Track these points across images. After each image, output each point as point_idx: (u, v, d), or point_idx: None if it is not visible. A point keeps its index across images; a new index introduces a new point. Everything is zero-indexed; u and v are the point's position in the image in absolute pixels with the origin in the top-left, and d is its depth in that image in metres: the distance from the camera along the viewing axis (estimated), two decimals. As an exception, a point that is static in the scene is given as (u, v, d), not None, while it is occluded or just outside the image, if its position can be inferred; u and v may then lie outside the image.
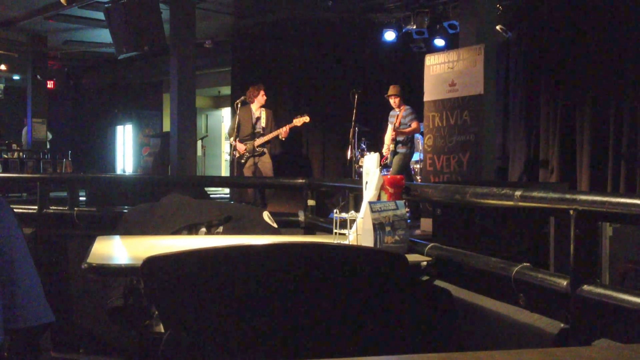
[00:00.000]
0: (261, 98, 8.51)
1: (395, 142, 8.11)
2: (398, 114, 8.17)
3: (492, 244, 3.35)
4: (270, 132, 8.43)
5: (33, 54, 14.24)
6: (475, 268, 2.44)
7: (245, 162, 8.44)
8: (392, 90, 8.24)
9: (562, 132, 8.58)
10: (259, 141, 8.38)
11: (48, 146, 14.46)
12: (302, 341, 2.05)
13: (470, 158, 6.57)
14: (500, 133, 9.47)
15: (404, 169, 8.04)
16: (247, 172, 8.41)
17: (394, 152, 8.11)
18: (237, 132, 8.49)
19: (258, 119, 8.47)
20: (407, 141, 8.15)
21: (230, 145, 8.71)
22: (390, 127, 8.26)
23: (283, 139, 8.56)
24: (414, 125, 8.05)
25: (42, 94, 14.71)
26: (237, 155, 8.49)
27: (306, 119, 8.47)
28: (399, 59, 10.83)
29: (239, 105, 8.54)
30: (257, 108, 8.52)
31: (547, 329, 2.01)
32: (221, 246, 2.08)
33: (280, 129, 8.40)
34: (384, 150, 8.13)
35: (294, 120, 8.47)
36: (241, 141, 8.44)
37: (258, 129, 8.44)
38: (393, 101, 8.23)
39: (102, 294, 3.49)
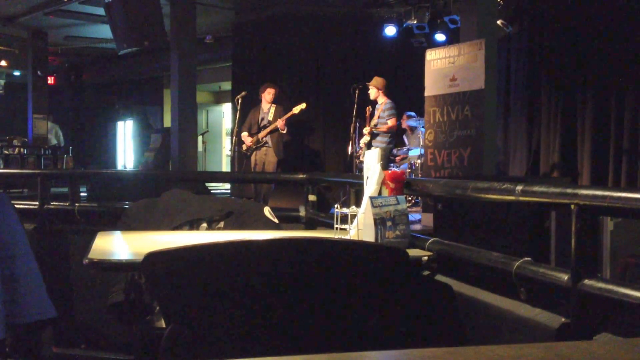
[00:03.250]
0: (267, 95, 8.72)
1: (371, 136, 8.07)
2: (378, 107, 8.16)
3: (493, 239, 3.35)
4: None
5: (33, 49, 14.21)
6: (476, 263, 2.45)
7: (251, 154, 8.64)
8: (373, 81, 8.23)
9: (563, 126, 8.58)
10: (262, 133, 8.55)
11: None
12: (304, 336, 2.05)
13: (472, 153, 6.56)
14: (501, 128, 9.46)
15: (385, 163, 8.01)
16: (253, 164, 8.62)
17: (369, 145, 8.04)
18: (249, 127, 8.73)
19: (266, 114, 8.66)
20: (386, 135, 8.10)
21: (231, 140, 8.88)
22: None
23: (283, 131, 8.62)
24: (390, 122, 8.03)
25: (42, 89, 14.68)
26: (245, 147, 8.71)
27: (303, 105, 8.61)
28: (400, 54, 10.79)
29: (239, 101, 8.67)
30: (266, 104, 8.76)
31: (548, 324, 2.01)
32: (222, 241, 2.08)
33: (278, 120, 8.52)
34: (361, 143, 8.11)
35: (293, 109, 8.59)
36: (251, 136, 8.64)
37: (264, 123, 8.63)
38: (370, 92, 8.21)
39: (103, 289, 3.49)
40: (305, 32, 10.97)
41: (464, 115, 6.62)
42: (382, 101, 8.14)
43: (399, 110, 8.62)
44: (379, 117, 8.08)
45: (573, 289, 1.93)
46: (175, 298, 2.03)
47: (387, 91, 8.27)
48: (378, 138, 8.10)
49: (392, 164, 8.29)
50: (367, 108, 8.14)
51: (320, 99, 10.76)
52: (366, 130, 8.11)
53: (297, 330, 2.04)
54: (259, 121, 8.74)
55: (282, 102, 9.07)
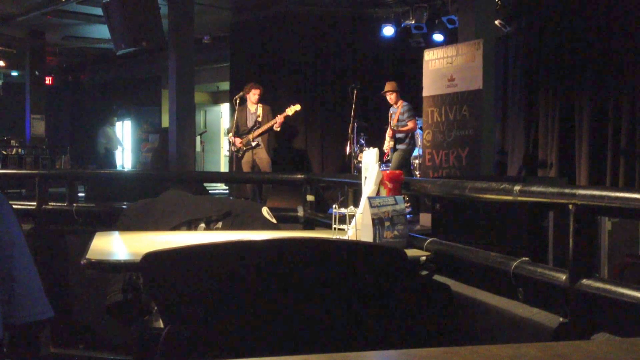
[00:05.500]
0: (252, 96, 8.56)
1: (394, 139, 8.10)
2: (396, 111, 8.16)
3: (491, 239, 3.36)
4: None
5: (31, 50, 14.20)
6: (474, 263, 2.45)
7: (243, 155, 8.51)
8: (387, 86, 8.21)
9: (560, 126, 8.58)
10: (254, 133, 8.45)
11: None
12: (301, 335, 2.05)
13: (469, 153, 6.56)
14: (499, 128, 9.47)
15: (404, 164, 8.03)
16: (245, 166, 8.47)
17: (394, 149, 8.10)
18: (236, 128, 8.56)
19: (254, 114, 8.56)
20: (406, 137, 8.13)
21: (229, 141, 8.79)
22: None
23: (278, 129, 8.56)
24: (410, 124, 8.03)
25: (40, 90, 14.68)
26: (235, 149, 8.55)
27: (297, 107, 8.50)
28: (398, 54, 10.81)
29: (237, 101, 8.61)
30: (252, 104, 8.60)
31: (546, 323, 2.01)
32: (220, 242, 2.08)
33: (273, 119, 8.43)
34: (385, 148, 8.12)
35: (286, 110, 8.50)
36: (240, 137, 8.50)
37: (255, 124, 8.52)
38: (389, 97, 8.21)
39: (101, 289, 3.49)
40: (303, 32, 10.97)
41: (462, 116, 6.62)
42: (400, 103, 8.14)
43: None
44: (398, 120, 8.07)
45: (571, 288, 1.93)
46: (173, 298, 2.03)
47: (401, 92, 8.26)
48: (399, 142, 8.10)
49: (389, 164, 8.30)
50: (390, 115, 8.17)
51: (318, 99, 10.76)
52: (388, 133, 8.10)
53: (295, 330, 2.04)
54: (247, 122, 8.57)
55: (278, 103, 9.00)
